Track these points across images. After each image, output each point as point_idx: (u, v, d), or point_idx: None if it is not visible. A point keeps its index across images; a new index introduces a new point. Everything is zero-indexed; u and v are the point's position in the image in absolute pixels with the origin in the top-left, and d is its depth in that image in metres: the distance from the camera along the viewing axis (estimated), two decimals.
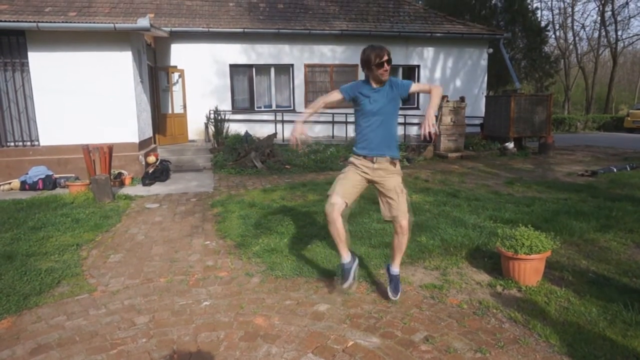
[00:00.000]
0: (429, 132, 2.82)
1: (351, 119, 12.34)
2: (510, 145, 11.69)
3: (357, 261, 3.16)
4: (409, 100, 13.55)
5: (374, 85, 3.02)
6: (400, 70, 13.29)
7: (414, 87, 3.09)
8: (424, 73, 13.34)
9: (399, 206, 3.01)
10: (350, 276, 3.06)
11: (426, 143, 11.78)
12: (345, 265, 3.10)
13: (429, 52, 13.23)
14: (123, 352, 2.54)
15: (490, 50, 13.67)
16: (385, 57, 2.91)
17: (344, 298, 3.19)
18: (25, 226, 5.12)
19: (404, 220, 3.02)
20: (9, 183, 7.59)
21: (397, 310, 3.00)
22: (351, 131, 11.88)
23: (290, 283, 3.48)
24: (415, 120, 13.04)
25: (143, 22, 7.95)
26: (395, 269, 3.16)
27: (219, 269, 3.84)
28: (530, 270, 3.29)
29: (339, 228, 2.98)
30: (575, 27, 31.98)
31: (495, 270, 3.60)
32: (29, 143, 8.17)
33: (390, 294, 3.11)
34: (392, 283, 3.14)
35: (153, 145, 9.94)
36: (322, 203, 6.03)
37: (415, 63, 13.22)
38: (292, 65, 12.35)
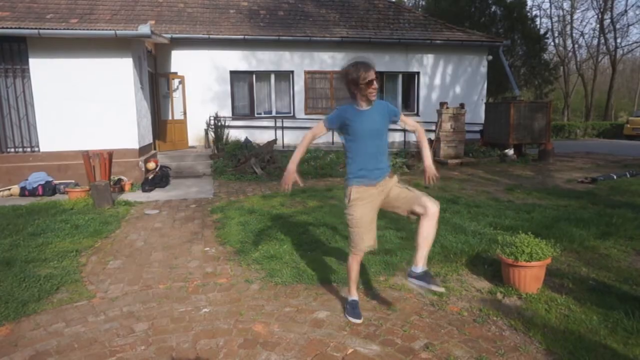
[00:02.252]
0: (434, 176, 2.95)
1: (395, 126, 12.37)
2: (510, 152, 11.70)
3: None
4: (409, 107, 13.59)
5: (363, 107, 2.83)
6: (400, 77, 13.34)
7: (404, 118, 3.05)
8: (423, 80, 13.38)
9: (417, 193, 2.82)
10: (360, 314, 2.97)
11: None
12: (356, 301, 3.05)
13: (428, 59, 13.29)
14: (122, 359, 2.53)
15: (490, 57, 13.72)
16: (375, 75, 2.75)
17: (344, 305, 3.18)
18: (25, 232, 5.12)
19: (429, 202, 2.75)
20: (9, 189, 7.59)
21: (397, 317, 2.99)
22: None
23: (290, 290, 3.47)
24: None
25: (144, 29, 7.99)
26: (421, 266, 2.75)
27: (218, 275, 3.83)
28: (530, 277, 3.28)
29: (357, 271, 3.02)
30: (574, 34, 32.05)
31: (496, 277, 3.59)
32: (29, 149, 8.18)
33: (435, 288, 2.73)
34: (425, 280, 2.72)
35: (153, 152, 9.95)
36: (322, 209, 6.06)
37: (415, 70, 13.27)
38: (292, 72, 12.40)
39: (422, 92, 13.42)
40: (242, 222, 5.43)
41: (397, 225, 5.14)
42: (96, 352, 2.60)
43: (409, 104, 13.66)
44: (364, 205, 2.85)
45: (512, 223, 5.11)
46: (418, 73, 13.33)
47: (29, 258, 4.23)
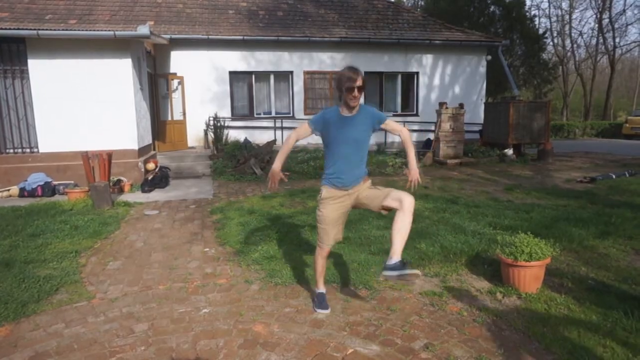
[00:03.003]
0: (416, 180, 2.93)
1: None
2: (509, 151, 11.71)
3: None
4: (408, 107, 13.60)
5: (346, 113, 2.86)
6: (399, 77, 13.35)
7: (389, 123, 3.00)
8: (422, 80, 13.39)
9: (386, 190, 2.84)
10: (327, 305, 3.11)
11: (425, 150, 11.80)
12: (323, 294, 3.17)
13: (427, 59, 13.30)
14: (122, 359, 2.53)
15: (489, 57, 13.74)
16: (358, 83, 2.74)
17: (343, 305, 3.18)
18: (24, 233, 5.11)
19: (404, 195, 2.71)
20: (8, 190, 7.58)
21: (396, 317, 2.99)
22: None
23: (290, 290, 3.47)
24: (415, 127, 13.07)
25: (143, 29, 7.99)
26: (395, 258, 2.66)
27: (218, 276, 3.83)
28: (530, 277, 3.28)
29: (323, 265, 3.14)
30: (573, 34, 32.08)
31: (495, 277, 3.59)
32: (28, 150, 8.17)
33: (409, 271, 2.61)
34: (398, 268, 2.62)
35: (152, 152, 9.95)
36: None
37: (414, 70, 13.27)
38: (291, 72, 12.40)
39: (422, 92, 13.43)
40: (241, 223, 5.43)
41: None
42: (96, 353, 2.60)
43: (408, 104, 13.66)
44: (333, 205, 2.95)
45: (512, 223, 5.12)
46: (417, 73, 13.34)
47: (29, 259, 4.23)
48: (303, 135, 3.04)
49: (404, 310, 3.10)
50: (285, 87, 12.64)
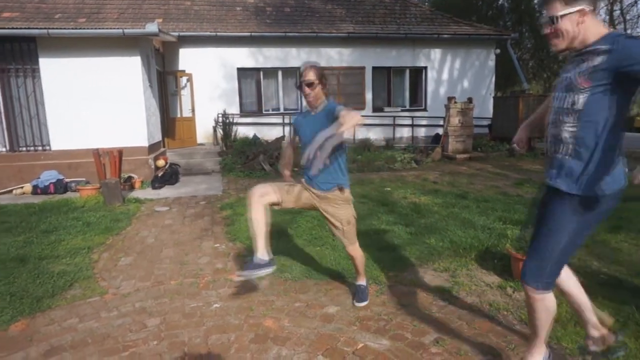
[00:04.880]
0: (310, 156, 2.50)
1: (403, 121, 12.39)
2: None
3: (272, 268, 2.76)
4: (417, 102, 13.54)
5: (311, 111, 2.84)
6: (408, 72, 13.28)
7: (341, 113, 2.57)
8: (431, 75, 13.31)
9: (343, 235, 2.91)
10: (254, 270, 2.69)
11: (434, 145, 11.75)
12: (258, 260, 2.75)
13: (436, 53, 13.21)
14: (135, 354, 2.57)
15: (498, 50, 13.61)
16: (307, 78, 2.67)
17: (352, 301, 3.19)
18: (38, 230, 5.19)
19: (349, 246, 2.97)
20: (22, 187, 7.69)
21: (407, 312, 3.00)
22: (360, 133, 11.89)
23: (300, 285, 3.49)
24: (424, 122, 13.02)
25: (151, 27, 8.03)
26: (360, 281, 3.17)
27: (228, 271, 3.86)
28: None
29: (259, 219, 2.78)
30: None
31: (505, 272, 3.58)
32: (40, 148, 8.28)
33: (355, 302, 3.10)
34: (357, 293, 3.14)
35: (162, 149, 10.02)
36: None
37: (423, 65, 13.19)
38: (299, 68, 12.37)
39: (430, 86, 13.35)
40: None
41: (406, 221, 5.14)
42: (109, 347, 2.65)
43: (417, 99, 13.59)
44: (302, 188, 2.89)
45: (522, 217, 5.08)
46: (425, 68, 13.26)
47: (43, 255, 4.29)
48: (294, 138, 3.07)
49: (413, 304, 3.11)
50: (293, 83, 12.63)
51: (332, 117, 2.58)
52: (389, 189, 7.21)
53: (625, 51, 1.72)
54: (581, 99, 1.84)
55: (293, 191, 2.89)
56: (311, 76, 2.68)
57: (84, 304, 3.26)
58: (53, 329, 2.90)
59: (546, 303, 2.04)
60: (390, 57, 12.83)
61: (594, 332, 2.28)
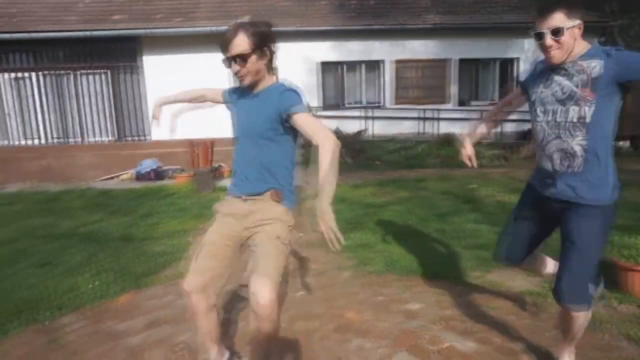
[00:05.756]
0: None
1: (443, 115, 11.99)
2: (626, 144, 10.51)
3: None
4: (507, 95, 12.76)
5: (252, 90, 1.98)
6: (498, 63, 12.57)
7: (301, 118, 1.90)
8: (524, 66, 12.45)
9: (259, 262, 1.91)
10: None
11: (522, 141, 11.03)
12: None
13: (530, 43, 12.32)
14: (228, 330, 2.73)
15: (602, 39, 12.36)
16: (233, 49, 1.82)
17: (437, 299, 3.11)
18: (138, 213, 5.70)
19: (261, 288, 1.80)
20: (126, 173, 8.49)
21: (494, 315, 2.86)
22: (443, 127, 11.51)
23: (382, 279, 3.48)
24: (513, 117, 12.21)
25: None
26: None
27: (312, 261, 3.95)
28: None
29: (202, 324, 2.08)
30: None
31: (609, 282, 3.26)
32: (142, 138, 9.06)
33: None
34: None
35: None
36: (413, 200, 5.95)
37: (515, 56, 12.40)
38: (382, 61, 12.24)
39: (522, 78, 12.49)
40: (333, 211, 5.51)
41: (492, 220, 4.90)
42: None
43: (507, 92, 12.78)
44: (218, 223, 2.12)
45: (627, 223, 4.58)
46: (518, 59, 12.43)
47: (143, 236, 4.71)
48: (211, 95, 2.37)
49: (502, 308, 2.95)
50: (375, 76, 12.53)
51: (279, 112, 1.89)
52: (474, 185, 6.91)
53: (623, 62, 1.82)
54: (589, 110, 1.89)
55: (220, 243, 2.10)
56: (241, 45, 1.82)
57: (182, 282, 3.52)
58: (153, 303, 3.18)
59: (588, 316, 2.08)
60: (479, 49, 12.20)
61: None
